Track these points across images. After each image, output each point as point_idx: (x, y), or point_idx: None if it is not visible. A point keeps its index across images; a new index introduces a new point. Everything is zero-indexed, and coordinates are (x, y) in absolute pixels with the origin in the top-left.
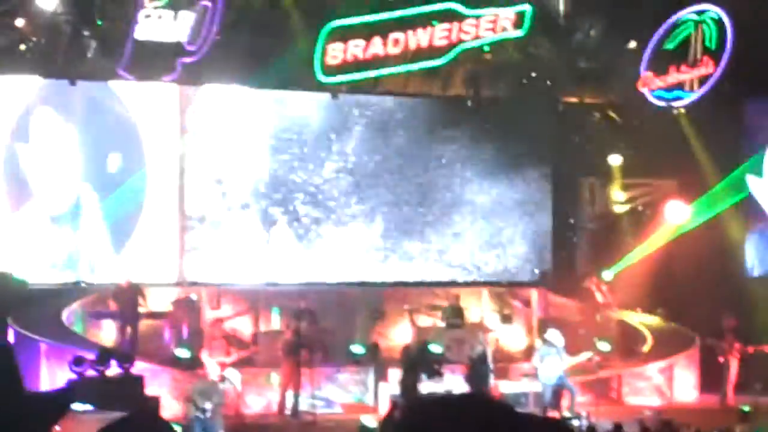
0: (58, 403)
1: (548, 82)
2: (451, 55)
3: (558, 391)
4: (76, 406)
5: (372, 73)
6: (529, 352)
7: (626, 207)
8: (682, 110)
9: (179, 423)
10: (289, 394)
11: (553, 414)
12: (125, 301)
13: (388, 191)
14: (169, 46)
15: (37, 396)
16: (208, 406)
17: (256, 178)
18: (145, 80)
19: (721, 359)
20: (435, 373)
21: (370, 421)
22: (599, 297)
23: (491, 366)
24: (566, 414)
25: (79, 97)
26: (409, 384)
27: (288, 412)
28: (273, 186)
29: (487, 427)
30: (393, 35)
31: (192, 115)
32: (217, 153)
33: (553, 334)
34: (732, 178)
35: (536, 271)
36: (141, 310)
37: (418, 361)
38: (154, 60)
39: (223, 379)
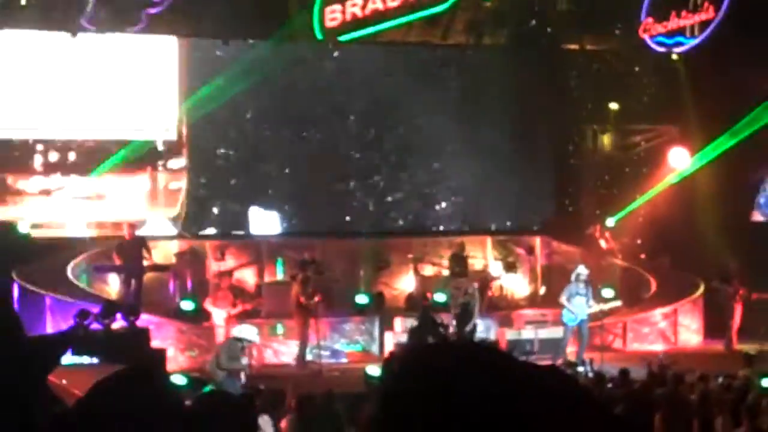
0: (56, 345)
1: (548, 29)
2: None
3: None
4: (83, 359)
5: (372, 29)
6: (533, 299)
7: (629, 153)
8: (681, 56)
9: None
10: (293, 344)
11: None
12: (129, 254)
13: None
14: None
15: (35, 338)
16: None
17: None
18: (111, 31)
19: (725, 304)
20: (440, 336)
21: (376, 370)
22: (603, 244)
23: (476, 321)
24: (570, 360)
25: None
26: (417, 334)
27: (293, 361)
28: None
29: (483, 373)
30: None
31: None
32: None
33: (583, 270)
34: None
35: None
36: (145, 263)
37: (422, 326)
38: (119, 11)
39: (239, 340)
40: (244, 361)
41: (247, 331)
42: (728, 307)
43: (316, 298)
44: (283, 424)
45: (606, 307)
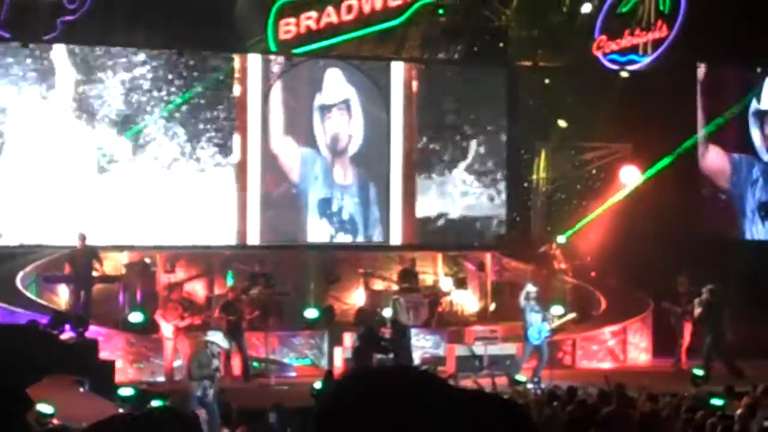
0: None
1: (501, 45)
2: (407, 13)
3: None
4: None
5: (326, 42)
6: (483, 316)
7: (581, 171)
8: (632, 74)
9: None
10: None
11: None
12: (80, 265)
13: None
14: (48, 3)
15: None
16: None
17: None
18: (25, 39)
19: (675, 323)
20: (384, 351)
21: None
22: (554, 261)
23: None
24: (520, 378)
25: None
26: (362, 351)
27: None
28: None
29: (412, 399)
30: (346, 2)
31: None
32: None
33: (531, 288)
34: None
35: (494, 231)
36: (95, 273)
37: (367, 341)
38: (34, 18)
39: (206, 345)
40: (215, 363)
41: (215, 335)
42: (678, 327)
43: (254, 314)
44: None
45: (564, 320)
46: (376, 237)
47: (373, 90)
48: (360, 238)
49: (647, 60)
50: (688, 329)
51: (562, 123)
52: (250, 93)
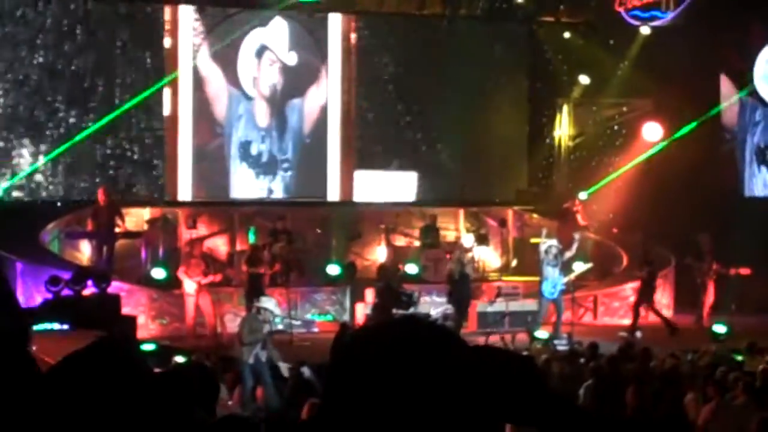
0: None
1: (523, 1)
2: None
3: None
4: (53, 325)
5: None
6: (504, 272)
7: (602, 127)
8: (654, 30)
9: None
10: None
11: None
12: (102, 220)
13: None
14: None
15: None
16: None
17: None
18: None
19: (698, 280)
20: (403, 306)
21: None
22: (577, 218)
23: (470, 285)
24: (539, 335)
25: None
26: (381, 307)
27: None
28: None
29: (424, 353)
30: None
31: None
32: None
33: (553, 242)
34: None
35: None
36: (117, 229)
37: (386, 296)
38: None
39: (259, 310)
40: (267, 328)
41: (268, 302)
42: (701, 284)
43: (275, 270)
44: (259, 392)
45: (579, 271)
46: (308, 188)
47: (309, 40)
48: (278, 185)
49: (670, 15)
50: (711, 287)
51: (583, 79)
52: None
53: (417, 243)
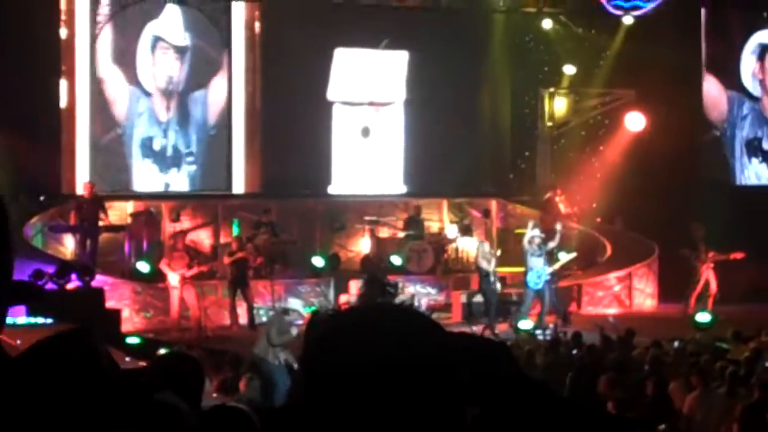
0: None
1: None
2: None
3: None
4: (37, 319)
5: None
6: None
7: (585, 117)
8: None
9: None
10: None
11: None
12: (86, 214)
13: None
14: None
15: None
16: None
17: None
18: None
19: (693, 269)
20: (385, 291)
21: None
22: (559, 207)
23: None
24: (523, 326)
25: None
26: (366, 297)
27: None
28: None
29: (399, 339)
30: None
31: None
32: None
33: (536, 233)
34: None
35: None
36: (101, 223)
37: (372, 287)
38: None
39: (287, 311)
40: (294, 332)
41: (293, 303)
42: (695, 272)
43: (259, 262)
44: (242, 384)
45: (563, 261)
46: (213, 181)
47: (211, 30)
48: (183, 178)
49: (651, 5)
50: (711, 275)
51: (568, 69)
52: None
53: (401, 234)
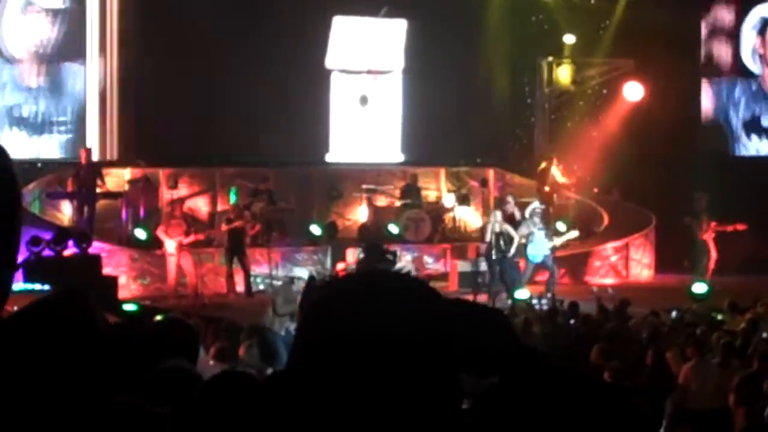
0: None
1: None
2: None
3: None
4: (34, 285)
5: None
6: (485, 232)
7: (584, 87)
8: None
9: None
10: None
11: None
12: (83, 180)
13: None
14: None
15: None
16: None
17: None
18: None
19: (696, 239)
20: (385, 259)
21: None
22: (557, 177)
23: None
24: (522, 295)
25: None
26: (365, 265)
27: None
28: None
29: (397, 306)
30: None
31: None
32: None
33: (537, 205)
34: None
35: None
36: (98, 189)
37: (371, 254)
38: None
39: (293, 280)
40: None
41: (301, 271)
42: (702, 243)
43: (256, 230)
44: (241, 351)
45: (565, 238)
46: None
47: None
48: (54, 146)
49: None
50: (712, 245)
51: (568, 39)
52: None
53: (398, 203)
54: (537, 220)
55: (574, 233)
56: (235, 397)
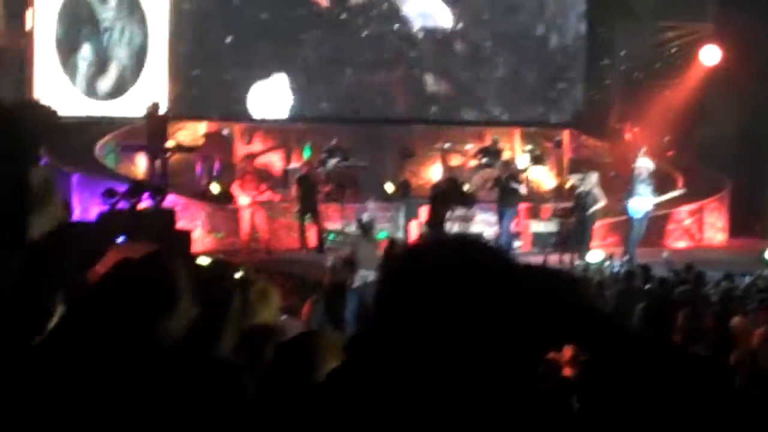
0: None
1: None
2: None
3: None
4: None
5: None
6: (559, 192)
7: (660, 49)
8: None
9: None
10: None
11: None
12: (155, 134)
13: None
14: None
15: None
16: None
17: None
18: None
19: None
20: (465, 203)
21: None
22: (631, 139)
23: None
24: (594, 257)
25: None
26: (436, 221)
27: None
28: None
29: (476, 271)
30: None
31: None
32: None
33: (647, 164)
34: None
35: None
36: (171, 143)
37: (449, 191)
38: None
39: (370, 225)
40: (376, 253)
41: (373, 217)
42: None
43: (329, 187)
44: (306, 307)
45: (669, 196)
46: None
47: None
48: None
49: None
50: None
51: (645, 1)
52: None
53: (472, 163)
54: (644, 177)
55: (678, 192)
56: (317, 356)
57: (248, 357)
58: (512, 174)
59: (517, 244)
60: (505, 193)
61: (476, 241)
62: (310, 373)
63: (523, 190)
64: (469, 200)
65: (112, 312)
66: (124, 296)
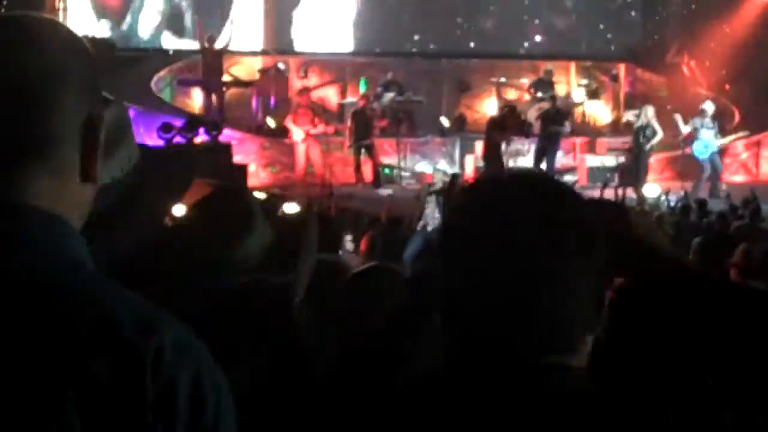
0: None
1: None
2: None
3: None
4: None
5: None
6: (615, 127)
7: None
8: None
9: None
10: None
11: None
12: (212, 68)
13: None
14: None
15: None
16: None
17: None
18: None
19: None
20: (523, 132)
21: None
22: (687, 73)
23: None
24: (652, 191)
25: None
26: (492, 154)
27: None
28: None
29: (542, 203)
30: None
31: None
32: None
33: (709, 106)
34: None
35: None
36: (227, 77)
37: (507, 117)
38: None
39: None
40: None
41: (424, 165)
42: None
43: (385, 121)
44: (363, 242)
45: (734, 137)
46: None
47: None
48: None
49: None
50: None
51: None
52: None
53: (527, 97)
54: (707, 119)
55: (743, 133)
56: (384, 290)
57: (317, 289)
58: (559, 110)
59: (572, 178)
60: (546, 129)
61: (542, 175)
62: (377, 307)
63: (567, 129)
64: (527, 129)
65: (203, 235)
66: (213, 222)
